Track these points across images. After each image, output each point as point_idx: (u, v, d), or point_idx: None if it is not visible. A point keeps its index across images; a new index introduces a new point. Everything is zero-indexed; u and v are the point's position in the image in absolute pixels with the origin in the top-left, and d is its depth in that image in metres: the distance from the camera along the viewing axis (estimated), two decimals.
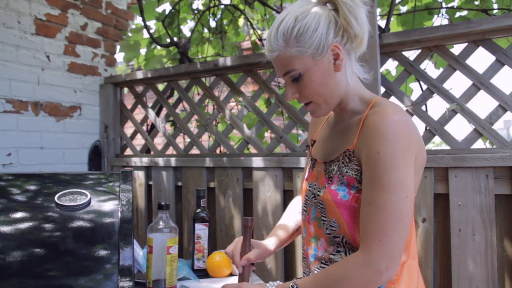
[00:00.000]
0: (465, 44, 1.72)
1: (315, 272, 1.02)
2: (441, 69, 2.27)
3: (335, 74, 0.97)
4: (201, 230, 1.58)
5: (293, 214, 1.28)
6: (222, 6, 3.27)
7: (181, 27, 3.21)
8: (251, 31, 3.34)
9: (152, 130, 2.74)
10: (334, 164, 1.00)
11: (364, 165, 0.92)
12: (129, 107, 2.77)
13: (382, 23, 4.34)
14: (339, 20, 0.95)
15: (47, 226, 1.02)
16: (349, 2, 0.93)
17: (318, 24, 0.93)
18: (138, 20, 3.13)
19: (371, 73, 1.07)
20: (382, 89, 1.87)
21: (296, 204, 1.30)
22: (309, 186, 1.09)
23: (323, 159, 1.06)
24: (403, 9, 2.98)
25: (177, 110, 2.62)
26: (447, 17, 2.55)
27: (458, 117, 1.71)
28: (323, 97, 0.98)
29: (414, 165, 0.92)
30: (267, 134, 3.16)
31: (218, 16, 3.30)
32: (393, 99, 1.87)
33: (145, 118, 2.73)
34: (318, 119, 1.21)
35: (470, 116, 1.68)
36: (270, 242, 1.20)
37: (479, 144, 1.69)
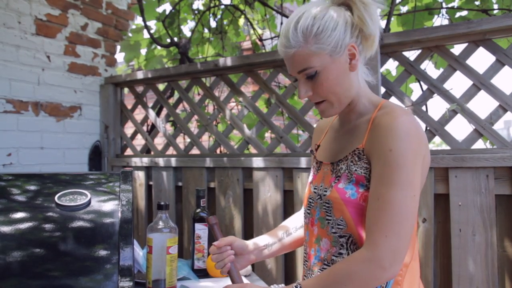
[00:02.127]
0: (465, 44, 1.72)
1: (319, 273, 1.02)
2: (441, 69, 2.27)
3: (349, 73, 0.99)
4: (201, 230, 1.58)
5: (292, 221, 1.28)
6: (223, 6, 3.27)
7: (182, 27, 3.21)
8: (252, 31, 3.34)
9: (152, 130, 2.74)
10: (342, 163, 1.01)
11: (374, 163, 0.93)
12: (129, 107, 2.77)
13: (382, 23, 4.33)
14: (354, 21, 0.96)
15: (47, 226, 1.02)
16: (364, 1, 0.94)
17: (337, 24, 0.94)
18: (139, 20, 3.13)
19: (374, 76, 1.08)
20: (383, 89, 1.87)
21: (296, 217, 1.29)
22: (314, 188, 1.08)
23: (330, 160, 1.07)
24: (403, 9, 2.98)
25: (178, 110, 2.62)
26: (447, 17, 2.55)
27: (459, 117, 1.71)
28: (338, 96, 0.99)
29: (422, 166, 0.93)
30: (267, 134, 3.16)
31: (219, 16, 3.30)
32: (393, 99, 1.87)
33: (145, 118, 2.73)
34: (322, 126, 1.22)
35: (471, 116, 1.68)
36: (257, 239, 1.20)
37: (479, 144, 1.69)
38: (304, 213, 1.14)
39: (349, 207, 0.96)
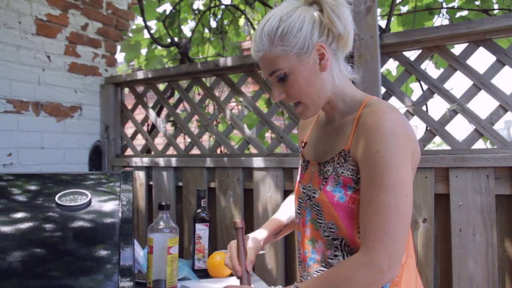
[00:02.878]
0: (465, 44, 1.72)
1: (315, 275, 1.01)
2: (442, 69, 2.27)
3: (321, 74, 0.97)
4: (202, 230, 1.58)
5: (286, 209, 1.28)
6: (223, 6, 3.27)
7: (182, 27, 3.22)
8: (252, 31, 3.34)
9: (153, 130, 2.74)
10: (329, 165, 1.00)
11: (361, 165, 0.91)
12: (129, 107, 2.77)
13: (382, 23, 4.33)
14: (323, 20, 0.95)
15: (48, 226, 1.02)
16: (331, 1, 0.93)
17: (303, 24, 0.93)
18: (139, 20, 3.13)
19: (359, 73, 1.06)
20: (383, 89, 1.87)
21: (290, 201, 1.30)
22: (303, 188, 1.08)
23: (316, 160, 1.06)
24: (404, 9, 2.98)
25: (178, 110, 2.62)
26: (448, 17, 2.55)
27: (459, 117, 1.71)
28: (310, 97, 0.98)
29: (411, 162, 0.92)
30: (268, 134, 3.17)
31: (219, 16, 3.30)
32: (393, 99, 1.87)
33: (146, 118, 2.73)
34: (307, 120, 1.21)
35: (471, 116, 1.68)
36: (260, 233, 1.19)
37: (479, 144, 1.69)
38: (295, 213, 1.13)
39: (339, 211, 0.95)
